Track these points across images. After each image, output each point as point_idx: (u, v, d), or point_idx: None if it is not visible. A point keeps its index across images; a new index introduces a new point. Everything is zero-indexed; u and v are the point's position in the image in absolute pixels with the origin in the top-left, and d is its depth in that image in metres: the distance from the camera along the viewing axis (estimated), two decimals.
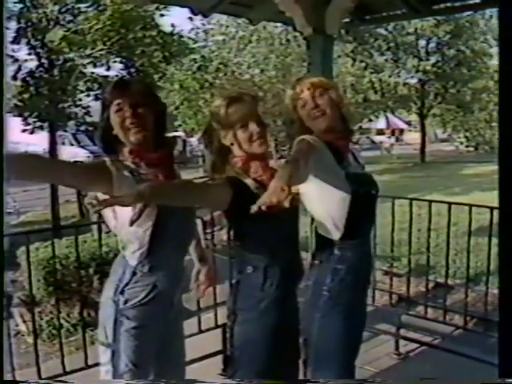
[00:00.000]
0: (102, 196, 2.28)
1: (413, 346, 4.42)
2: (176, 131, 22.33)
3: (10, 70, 11.54)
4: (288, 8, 4.27)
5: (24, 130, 12.04)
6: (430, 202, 4.48)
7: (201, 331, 4.17)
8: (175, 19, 13.11)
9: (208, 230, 4.39)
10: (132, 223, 1.89)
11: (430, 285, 5.41)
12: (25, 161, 2.14)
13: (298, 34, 6.93)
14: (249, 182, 2.34)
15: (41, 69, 11.61)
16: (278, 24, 15.08)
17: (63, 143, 20.71)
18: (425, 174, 22.13)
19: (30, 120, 11.82)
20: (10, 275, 6.90)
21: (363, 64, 25.28)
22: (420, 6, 4.74)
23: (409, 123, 42.94)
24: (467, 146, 30.75)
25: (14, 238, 7.47)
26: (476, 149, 30.23)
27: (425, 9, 4.83)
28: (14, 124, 12.62)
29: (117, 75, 12.64)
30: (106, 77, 12.50)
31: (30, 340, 5.75)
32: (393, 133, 44.86)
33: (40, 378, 3.54)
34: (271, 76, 18.92)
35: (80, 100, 12.30)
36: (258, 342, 2.39)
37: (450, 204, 4.29)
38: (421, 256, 5.41)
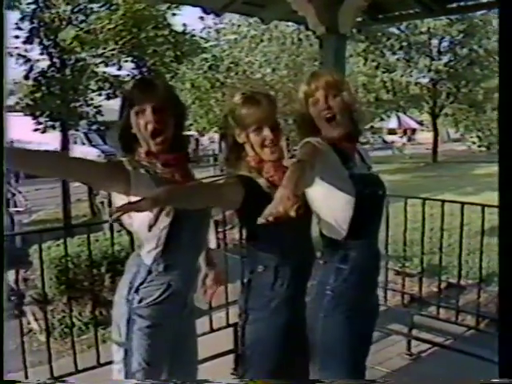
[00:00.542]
0: (115, 195, 2.29)
1: (425, 346, 4.40)
2: (188, 130, 22.38)
3: (22, 69, 11.62)
4: (301, 7, 4.26)
5: (36, 130, 12.08)
6: (443, 201, 4.45)
7: (212, 330, 4.17)
8: (187, 18, 13.14)
9: (220, 229, 4.39)
10: (150, 228, 1.90)
11: (443, 285, 5.37)
12: (43, 157, 2.15)
13: (309, 33, 6.94)
14: (261, 181, 2.35)
15: (53, 68, 11.62)
16: (290, 23, 15.06)
17: (75, 142, 20.79)
18: (437, 173, 22.05)
19: (42, 119, 11.83)
20: (22, 273, 6.92)
21: (375, 63, 25.27)
22: (434, 5, 4.72)
23: (421, 123, 42.78)
24: (479, 146, 30.60)
25: (26, 236, 7.55)
26: (488, 148, 30.05)
27: (438, 8, 4.80)
28: (25, 123, 12.69)
29: (128, 74, 12.67)
30: (118, 76, 12.51)
31: (42, 338, 5.78)
32: (405, 132, 44.74)
33: (52, 376, 3.55)
34: (283, 75, 18.93)
35: (92, 99, 12.30)
36: (269, 340, 2.39)
37: (462, 204, 4.27)
38: (433, 256, 5.39)
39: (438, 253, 4.67)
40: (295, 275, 2.40)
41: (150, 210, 1.86)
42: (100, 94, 12.36)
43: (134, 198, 2.18)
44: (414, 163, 27.63)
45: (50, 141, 17.02)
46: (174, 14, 12.39)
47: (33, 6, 11.28)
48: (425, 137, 38.30)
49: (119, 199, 2.28)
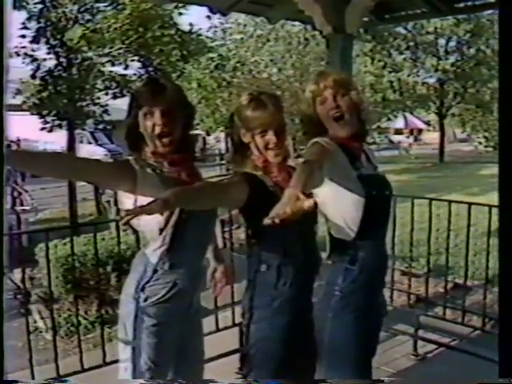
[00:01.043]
0: (121, 194, 2.30)
1: (431, 347, 4.39)
2: (196, 129, 22.38)
3: (28, 68, 11.64)
4: (307, 7, 4.25)
5: (42, 129, 12.11)
6: (450, 202, 4.44)
7: (218, 329, 4.17)
8: (193, 18, 13.12)
9: (226, 229, 4.39)
10: (161, 231, 1.90)
11: (449, 286, 5.36)
12: (49, 159, 2.16)
13: (316, 32, 6.90)
14: (266, 179, 2.34)
15: (59, 68, 11.65)
16: (296, 23, 15.03)
17: (81, 141, 20.83)
18: (443, 174, 21.99)
19: (49, 118, 11.87)
20: (28, 272, 6.93)
21: (382, 63, 25.22)
22: (441, 5, 4.70)
23: (427, 123, 42.65)
24: (486, 147, 30.47)
25: (33, 234, 7.56)
26: (495, 149, 29.89)
27: (445, 7, 4.78)
28: (32, 122, 12.73)
29: (135, 74, 12.69)
30: (124, 75, 12.53)
31: (48, 337, 5.79)
32: (411, 132, 44.65)
33: (58, 375, 3.56)
34: (289, 75, 18.92)
35: (98, 98, 12.32)
36: (273, 340, 2.39)
37: (469, 204, 4.25)
38: (439, 256, 5.38)
39: (444, 253, 4.66)
40: (298, 274, 2.40)
41: (160, 212, 1.86)
42: (106, 93, 12.39)
43: (140, 197, 2.19)
44: (420, 163, 27.56)
45: (57, 140, 17.10)
46: (180, 14, 12.40)
47: (40, 6, 11.34)
48: (431, 137, 38.18)
49: (125, 198, 2.29)
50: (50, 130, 12.21)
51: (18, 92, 11.72)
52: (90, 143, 25.01)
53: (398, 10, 5.16)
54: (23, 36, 11.33)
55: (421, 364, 4.22)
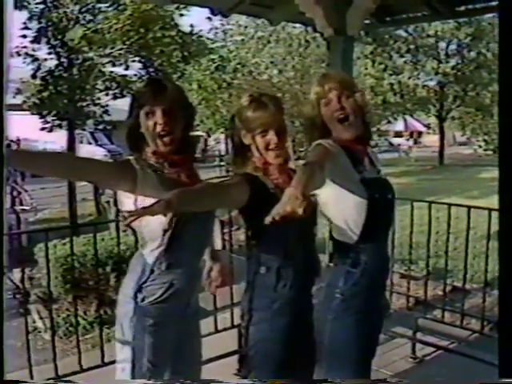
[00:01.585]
0: (121, 194, 2.30)
1: (429, 349, 4.39)
2: (196, 131, 22.39)
3: (29, 68, 11.65)
4: (308, 9, 4.25)
5: (43, 128, 12.12)
6: (449, 205, 4.44)
7: (217, 331, 4.17)
8: (194, 19, 13.12)
9: (225, 230, 4.40)
10: (164, 232, 1.90)
11: (448, 288, 5.36)
12: (50, 159, 2.16)
13: (317, 34, 6.91)
14: (266, 181, 2.34)
15: (60, 68, 11.66)
16: (297, 25, 15.05)
17: (81, 142, 20.80)
18: (443, 176, 22.00)
19: (49, 118, 11.88)
20: (27, 272, 6.93)
21: (382, 66, 25.22)
22: (442, 8, 4.70)
23: (427, 126, 42.66)
24: (486, 150, 30.49)
25: (32, 234, 7.56)
26: (494, 152, 29.91)
27: (446, 10, 4.78)
28: (32, 122, 12.73)
29: (135, 75, 12.71)
30: (125, 76, 12.55)
31: (47, 337, 5.79)
32: (411, 135, 44.64)
33: (57, 375, 3.56)
34: (289, 77, 18.93)
35: (99, 99, 12.34)
36: (272, 342, 2.39)
37: (469, 208, 4.26)
38: (438, 259, 5.38)
39: (443, 256, 4.66)
40: (298, 276, 2.39)
41: (163, 213, 1.87)
42: (107, 94, 12.40)
43: (140, 198, 2.20)
44: (420, 166, 27.58)
45: (57, 140, 17.10)
46: (181, 15, 12.40)
47: (41, 6, 11.36)
48: (431, 140, 38.21)
49: (125, 197, 2.29)
50: (50, 130, 12.22)
51: (19, 92, 11.73)
52: (89, 143, 25.00)
53: (398, 12, 5.16)
54: (24, 36, 11.35)
55: (419, 367, 4.22)
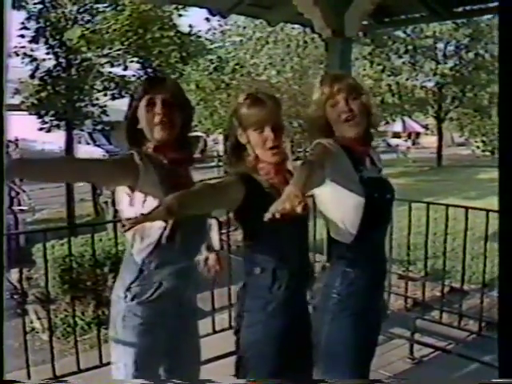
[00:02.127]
0: (120, 190, 2.30)
1: (427, 350, 4.39)
2: (195, 131, 22.38)
3: (27, 68, 11.63)
4: (307, 10, 4.26)
5: (41, 129, 12.11)
6: (447, 206, 4.45)
7: (215, 331, 4.17)
8: (193, 20, 13.13)
9: (223, 231, 4.39)
10: (167, 239, 1.89)
11: (446, 289, 5.36)
12: (49, 164, 2.15)
13: (315, 35, 6.91)
14: (262, 180, 2.33)
15: (58, 68, 11.65)
16: (296, 26, 15.07)
17: (79, 142, 20.77)
18: (441, 177, 22.01)
19: (47, 119, 11.87)
20: (25, 272, 6.93)
21: (381, 67, 25.25)
22: (440, 9, 4.71)
23: (425, 127, 42.68)
24: (484, 151, 30.50)
25: (30, 235, 7.56)
26: (492, 153, 29.95)
27: (445, 11, 4.79)
28: (30, 122, 12.71)
29: (134, 75, 12.70)
30: (123, 76, 12.54)
31: (45, 337, 5.78)
32: (409, 136, 44.65)
33: (55, 375, 3.56)
34: (288, 78, 18.93)
35: (97, 99, 12.34)
36: (267, 343, 2.37)
37: (467, 209, 4.26)
38: (436, 260, 5.38)
39: (441, 257, 4.67)
40: (293, 278, 2.37)
41: (163, 220, 1.86)
42: (105, 94, 12.40)
43: (136, 198, 2.20)
44: (418, 167, 27.58)
45: (55, 140, 17.06)
46: (180, 15, 12.40)
47: (39, 6, 11.35)
48: (429, 141, 38.21)
49: (123, 193, 2.30)
50: (49, 130, 12.21)
51: (17, 92, 11.71)
52: (88, 144, 24.94)
53: (397, 13, 5.17)
54: (22, 36, 11.32)
55: (417, 367, 4.22)
